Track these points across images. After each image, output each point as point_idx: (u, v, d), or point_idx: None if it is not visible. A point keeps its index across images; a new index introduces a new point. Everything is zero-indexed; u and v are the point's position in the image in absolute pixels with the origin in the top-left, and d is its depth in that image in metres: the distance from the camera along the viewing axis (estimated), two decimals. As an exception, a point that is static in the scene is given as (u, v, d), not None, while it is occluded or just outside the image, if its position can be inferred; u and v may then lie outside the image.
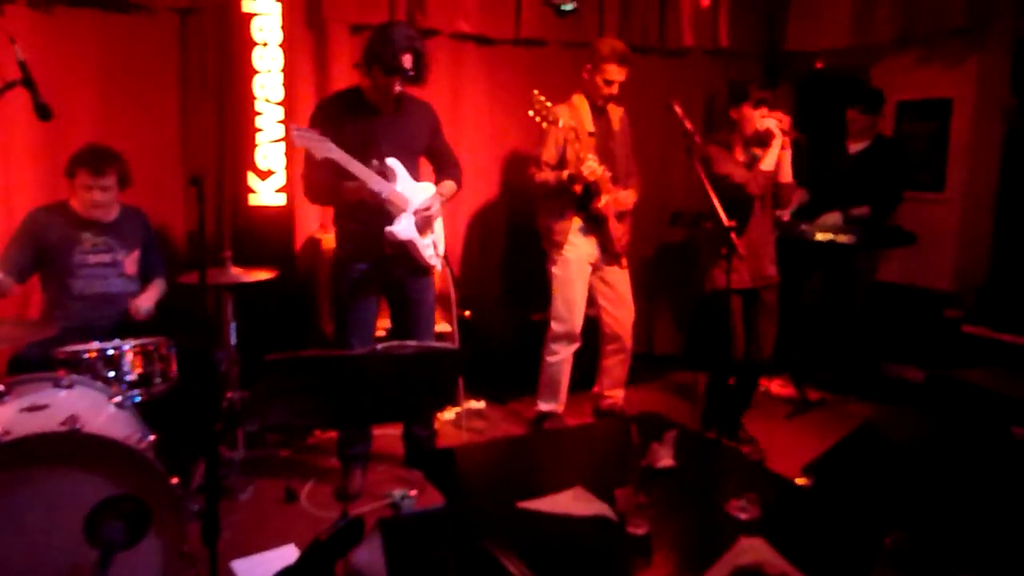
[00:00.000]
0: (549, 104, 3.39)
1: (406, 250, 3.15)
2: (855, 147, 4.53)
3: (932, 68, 4.73)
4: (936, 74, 4.71)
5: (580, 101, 3.75)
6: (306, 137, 2.85)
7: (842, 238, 4.29)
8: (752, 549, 1.77)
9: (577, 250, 3.81)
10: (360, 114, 3.09)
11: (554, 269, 3.86)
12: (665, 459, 2.27)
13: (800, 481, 2.91)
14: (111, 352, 2.74)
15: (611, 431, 2.87)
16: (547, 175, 3.71)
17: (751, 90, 3.65)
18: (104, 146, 3.21)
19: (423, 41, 3.08)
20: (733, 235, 2.98)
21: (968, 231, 4.63)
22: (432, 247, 3.26)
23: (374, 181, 2.98)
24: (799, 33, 5.19)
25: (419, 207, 3.14)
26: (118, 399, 2.60)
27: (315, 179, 3.09)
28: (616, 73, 3.66)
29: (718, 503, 2.04)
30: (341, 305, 3.24)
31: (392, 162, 3.08)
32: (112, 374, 2.73)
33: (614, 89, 3.70)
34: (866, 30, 4.81)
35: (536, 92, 3.38)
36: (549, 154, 3.72)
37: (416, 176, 3.22)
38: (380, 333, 3.52)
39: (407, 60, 2.97)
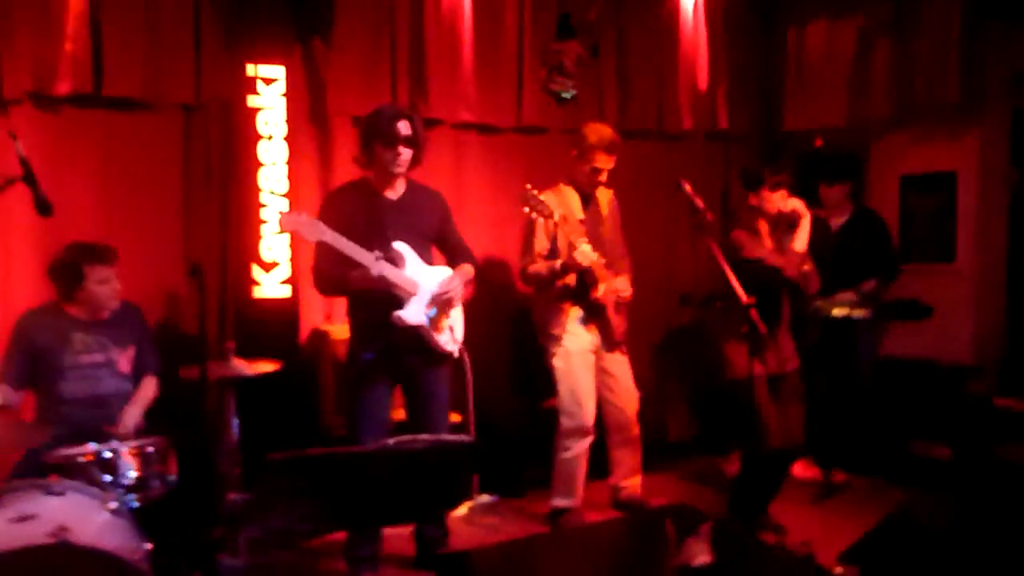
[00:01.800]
0: (542, 197, 3.32)
1: (419, 336, 3.05)
2: (836, 221, 4.39)
3: (933, 143, 4.76)
4: (937, 148, 4.74)
5: (567, 188, 3.68)
6: (295, 221, 2.82)
7: (858, 312, 4.19)
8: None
9: (578, 340, 3.68)
10: (367, 201, 3.06)
11: (556, 362, 3.72)
12: (702, 556, 2.12)
13: (838, 571, 2.73)
14: (107, 455, 2.61)
15: (636, 526, 2.71)
16: (539, 266, 3.61)
17: (765, 175, 3.52)
18: (85, 241, 3.10)
19: (417, 114, 3.07)
20: (755, 313, 2.86)
21: (982, 301, 4.56)
22: (448, 332, 3.15)
23: (375, 265, 2.91)
24: (796, 113, 5.24)
25: (435, 291, 3.06)
26: (114, 505, 2.46)
27: (324, 270, 3.04)
28: (604, 162, 3.60)
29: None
30: (350, 397, 3.13)
31: (399, 246, 3.02)
32: (108, 478, 2.60)
33: (603, 177, 3.65)
34: (862, 108, 4.87)
35: (528, 187, 3.32)
36: (541, 245, 3.63)
37: (429, 261, 3.16)
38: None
39: (404, 127, 2.97)
